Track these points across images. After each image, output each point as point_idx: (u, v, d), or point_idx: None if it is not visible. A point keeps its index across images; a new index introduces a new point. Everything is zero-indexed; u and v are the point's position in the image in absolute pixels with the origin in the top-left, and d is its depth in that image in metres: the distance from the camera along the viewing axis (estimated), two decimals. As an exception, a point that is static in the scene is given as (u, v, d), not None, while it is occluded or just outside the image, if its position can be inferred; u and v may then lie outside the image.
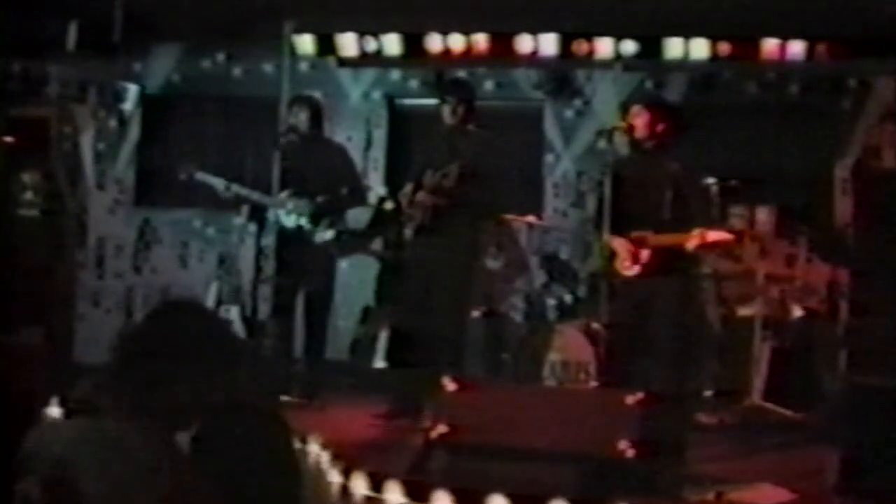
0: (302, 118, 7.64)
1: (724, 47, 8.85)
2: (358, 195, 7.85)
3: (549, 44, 9.05)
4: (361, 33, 9.30)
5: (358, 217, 8.07)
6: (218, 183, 7.64)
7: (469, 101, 7.02)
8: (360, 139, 9.68)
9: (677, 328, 6.01)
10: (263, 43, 9.39)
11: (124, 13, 8.74)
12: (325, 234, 7.50)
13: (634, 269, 6.01)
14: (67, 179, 9.76)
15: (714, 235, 5.84)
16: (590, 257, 8.03)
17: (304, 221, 7.49)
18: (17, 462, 2.69)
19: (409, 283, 7.06)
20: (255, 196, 7.61)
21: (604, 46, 9.00)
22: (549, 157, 9.46)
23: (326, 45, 9.45)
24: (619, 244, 6.04)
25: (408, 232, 6.96)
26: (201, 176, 7.68)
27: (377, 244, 8.70)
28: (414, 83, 9.72)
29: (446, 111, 6.95)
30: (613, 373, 6.22)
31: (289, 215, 7.50)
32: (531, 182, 9.24)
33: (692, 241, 5.83)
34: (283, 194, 7.50)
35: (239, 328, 8.46)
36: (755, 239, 7.70)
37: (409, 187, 6.98)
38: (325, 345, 7.71)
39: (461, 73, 9.36)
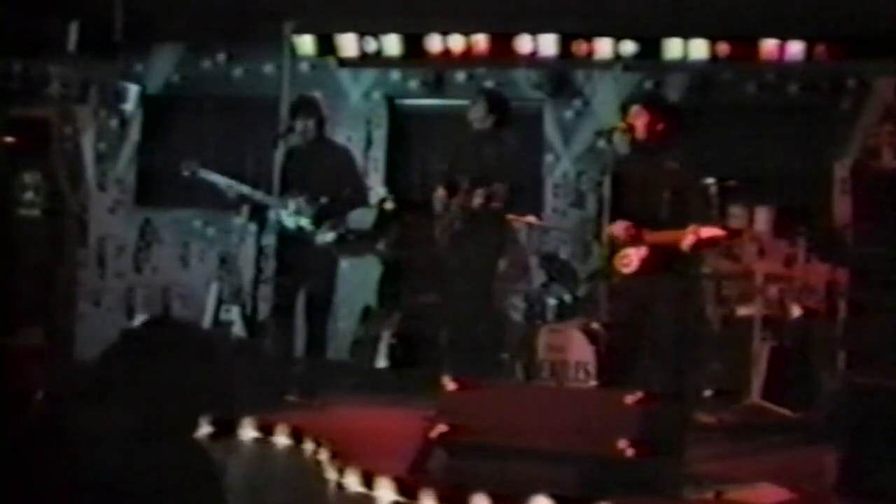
0: (307, 119, 7.64)
1: (724, 48, 8.88)
2: (360, 197, 7.85)
3: (548, 44, 9.07)
4: (361, 34, 9.32)
5: (361, 218, 8.07)
6: (221, 181, 7.64)
7: (501, 109, 7.31)
8: (361, 139, 9.69)
9: (677, 328, 6.02)
10: (264, 43, 9.42)
11: (125, 13, 8.76)
12: (327, 236, 7.51)
13: (634, 264, 6.01)
14: (68, 179, 9.76)
15: (708, 232, 5.85)
16: (589, 257, 8.05)
17: (306, 222, 7.49)
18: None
19: (433, 286, 7.22)
20: (258, 196, 7.61)
21: (603, 47, 9.02)
22: (548, 158, 9.48)
23: (326, 46, 9.46)
24: (619, 227, 6.02)
25: (440, 236, 7.16)
26: (205, 173, 7.68)
27: (381, 245, 8.73)
28: (414, 84, 9.74)
29: (476, 115, 7.22)
30: (613, 372, 6.24)
31: (291, 216, 7.51)
32: (531, 182, 9.26)
33: (687, 238, 5.84)
34: (286, 195, 7.51)
35: (240, 328, 8.48)
36: (754, 239, 7.71)
37: (440, 191, 7.22)
38: (326, 345, 7.73)
39: (461, 74, 9.40)
